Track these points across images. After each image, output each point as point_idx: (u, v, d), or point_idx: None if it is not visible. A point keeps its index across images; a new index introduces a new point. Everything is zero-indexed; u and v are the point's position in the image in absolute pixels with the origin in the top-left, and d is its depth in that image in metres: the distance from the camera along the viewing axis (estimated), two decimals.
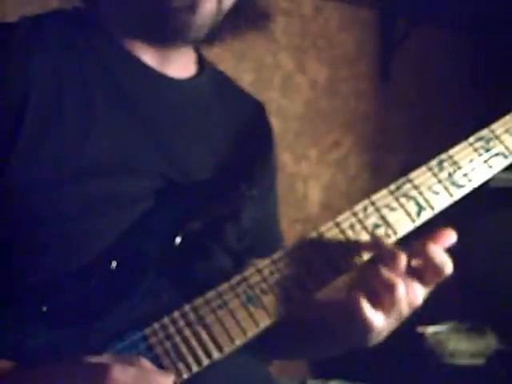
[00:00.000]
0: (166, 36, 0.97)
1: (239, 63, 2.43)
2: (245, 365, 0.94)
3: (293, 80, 2.63)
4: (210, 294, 0.83)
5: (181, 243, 0.87)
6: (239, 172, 1.00)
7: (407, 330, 2.55)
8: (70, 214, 0.84)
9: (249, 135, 1.08)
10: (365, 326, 0.86)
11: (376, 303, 0.84)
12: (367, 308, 0.83)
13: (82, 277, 0.83)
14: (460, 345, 2.29)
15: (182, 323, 0.82)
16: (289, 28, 2.60)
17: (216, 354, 0.81)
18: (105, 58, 0.95)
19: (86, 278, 0.83)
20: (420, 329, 2.32)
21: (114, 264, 0.84)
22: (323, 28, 2.70)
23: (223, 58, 2.33)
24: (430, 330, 2.32)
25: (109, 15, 0.98)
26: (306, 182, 2.67)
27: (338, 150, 2.76)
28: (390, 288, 0.83)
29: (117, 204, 0.87)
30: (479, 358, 2.28)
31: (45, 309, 0.81)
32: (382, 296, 0.84)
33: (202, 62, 1.07)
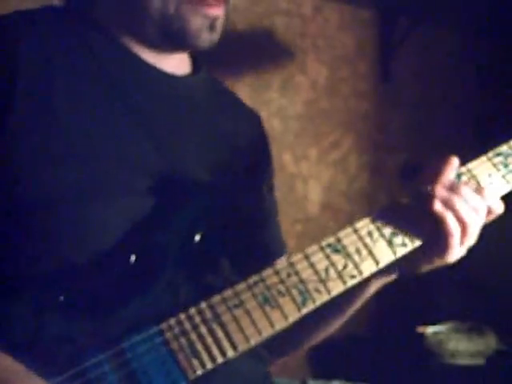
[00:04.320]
0: (184, 48, 1.00)
1: (239, 62, 2.43)
2: (245, 364, 0.94)
3: (293, 80, 2.63)
4: (227, 293, 0.84)
5: (200, 240, 0.87)
6: (246, 172, 1.01)
7: (407, 330, 2.54)
8: (70, 201, 0.85)
9: (244, 139, 1.08)
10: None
11: None
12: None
13: (101, 269, 0.84)
14: (460, 345, 2.28)
15: (198, 320, 0.82)
16: (289, 28, 2.60)
17: (230, 353, 0.82)
18: (99, 51, 0.95)
19: (105, 270, 0.84)
20: (420, 329, 2.32)
21: (133, 258, 0.84)
22: (323, 28, 2.70)
23: (223, 57, 2.33)
24: (430, 329, 2.32)
25: (107, 13, 0.98)
26: (306, 182, 2.67)
27: (337, 150, 2.76)
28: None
29: (114, 195, 0.87)
30: (479, 358, 2.28)
31: (62, 298, 0.81)
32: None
33: (197, 63, 1.08)
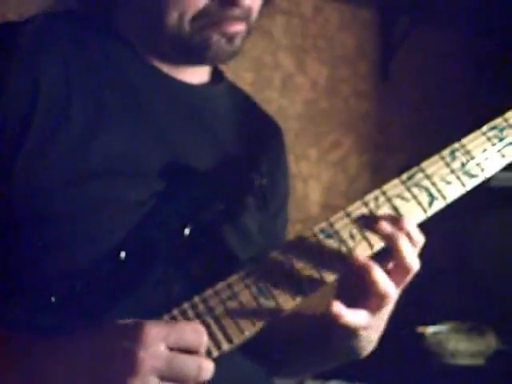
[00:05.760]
0: (202, 63, 0.99)
1: (239, 62, 2.43)
2: (243, 364, 0.94)
3: (293, 80, 2.63)
4: (220, 286, 0.83)
5: (190, 234, 0.87)
6: (250, 171, 1.00)
7: (407, 330, 2.54)
8: (76, 213, 0.85)
9: (262, 150, 1.07)
10: (348, 331, 0.86)
11: (356, 303, 0.84)
12: (345, 311, 0.83)
13: (91, 268, 0.84)
14: (460, 345, 2.28)
15: (191, 314, 0.81)
16: (289, 28, 2.60)
17: (225, 345, 0.81)
18: (116, 59, 0.95)
19: (95, 270, 0.84)
20: (420, 329, 2.32)
21: (122, 254, 0.84)
22: (323, 28, 2.70)
23: None
24: (430, 329, 2.32)
25: (126, 25, 0.98)
26: (306, 182, 2.67)
27: (338, 150, 2.76)
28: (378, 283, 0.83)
29: (125, 205, 0.87)
30: (479, 358, 2.28)
31: (53, 299, 0.81)
32: (366, 294, 0.84)
33: (217, 72, 1.07)
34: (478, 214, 2.58)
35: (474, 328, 2.35)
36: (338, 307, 0.82)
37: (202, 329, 0.77)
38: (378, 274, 0.83)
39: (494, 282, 2.54)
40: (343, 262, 0.85)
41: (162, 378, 0.73)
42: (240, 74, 2.40)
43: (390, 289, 0.83)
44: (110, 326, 0.77)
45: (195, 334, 0.76)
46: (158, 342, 0.73)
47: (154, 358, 0.73)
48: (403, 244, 0.83)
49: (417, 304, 2.46)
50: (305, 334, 1.00)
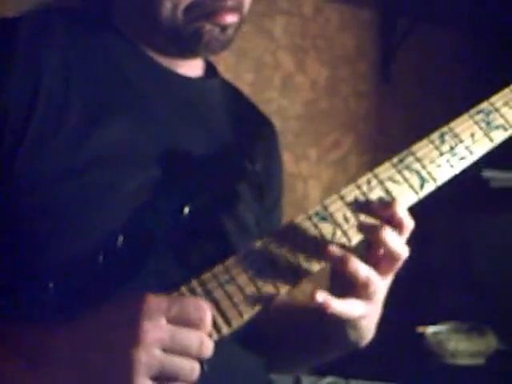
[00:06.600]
0: (196, 53, 1.00)
1: (239, 62, 2.43)
2: (241, 359, 0.94)
3: (293, 80, 2.63)
4: (217, 269, 0.83)
5: (187, 218, 0.87)
6: (243, 161, 1.01)
7: (407, 330, 2.54)
8: (76, 202, 0.85)
9: (255, 143, 1.08)
10: (345, 321, 0.85)
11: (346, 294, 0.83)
12: (333, 301, 0.82)
13: (90, 256, 0.84)
14: (460, 345, 2.28)
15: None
16: (289, 28, 2.60)
17: (225, 329, 0.81)
18: (114, 52, 0.96)
19: (94, 257, 0.84)
20: (420, 329, 2.32)
21: (120, 239, 0.84)
22: (323, 28, 2.70)
23: (223, 57, 2.33)
24: (430, 329, 2.32)
25: (122, 20, 0.99)
26: (306, 182, 2.67)
27: (337, 150, 2.76)
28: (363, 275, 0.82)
29: (124, 193, 0.88)
30: (479, 358, 2.28)
31: (51, 285, 0.81)
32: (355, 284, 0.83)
33: (210, 68, 1.08)
34: (478, 214, 2.58)
35: (473, 328, 2.35)
36: (322, 296, 0.81)
37: (204, 305, 0.77)
38: (355, 265, 0.82)
39: (493, 281, 2.53)
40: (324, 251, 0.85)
41: (164, 350, 0.73)
42: (240, 74, 2.41)
43: (372, 277, 0.83)
44: (110, 303, 0.77)
45: (197, 309, 0.76)
46: (160, 313, 0.74)
47: (157, 328, 0.73)
48: (386, 235, 0.83)
49: (417, 304, 2.46)
50: (304, 324, 1.00)
